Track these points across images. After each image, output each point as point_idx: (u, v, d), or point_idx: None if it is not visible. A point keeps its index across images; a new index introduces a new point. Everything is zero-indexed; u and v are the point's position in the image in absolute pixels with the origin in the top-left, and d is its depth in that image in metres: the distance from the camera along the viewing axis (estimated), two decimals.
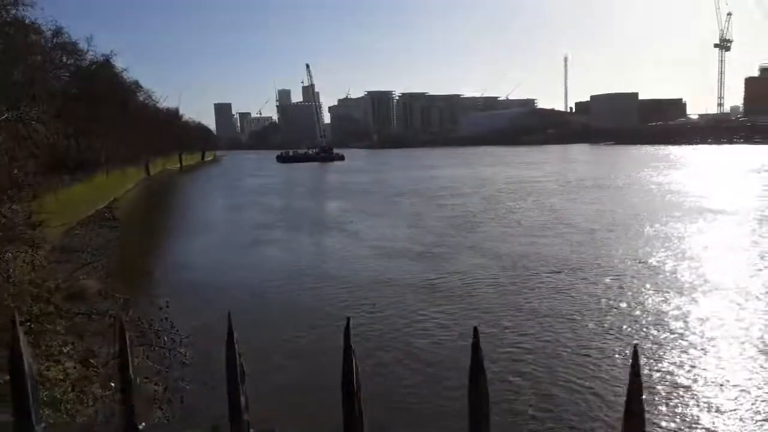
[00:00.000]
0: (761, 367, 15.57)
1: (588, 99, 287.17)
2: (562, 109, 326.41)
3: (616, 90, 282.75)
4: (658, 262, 27.67)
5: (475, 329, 1.59)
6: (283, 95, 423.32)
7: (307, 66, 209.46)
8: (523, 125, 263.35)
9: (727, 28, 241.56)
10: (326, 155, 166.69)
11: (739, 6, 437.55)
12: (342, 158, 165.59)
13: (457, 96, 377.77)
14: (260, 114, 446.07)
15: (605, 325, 19.01)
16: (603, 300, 21.72)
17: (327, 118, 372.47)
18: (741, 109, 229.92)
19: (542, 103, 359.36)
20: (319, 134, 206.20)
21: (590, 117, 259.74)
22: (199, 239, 39.86)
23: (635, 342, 16.90)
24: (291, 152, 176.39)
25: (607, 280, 24.51)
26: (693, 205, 46.82)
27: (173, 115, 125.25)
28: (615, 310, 20.59)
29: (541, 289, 23.54)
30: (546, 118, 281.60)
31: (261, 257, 33.29)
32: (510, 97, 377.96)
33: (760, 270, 25.67)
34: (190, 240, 40.02)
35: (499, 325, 19.08)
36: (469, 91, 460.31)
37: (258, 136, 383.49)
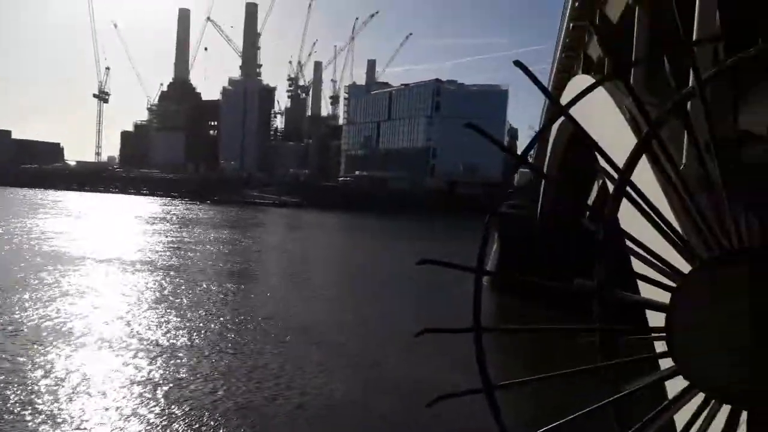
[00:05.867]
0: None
1: None
2: None
3: None
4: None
5: None
6: None
7: None
8: None
9: (106, 81, 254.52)
10: None
11: (117, 63, 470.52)
12: None
13: None
14: None
15: None
16: None
17: None
18: (117, 160, 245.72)
19: None
20: None
21: None
22: None
23: None
24: None
25: None
26: (77, 252, 49.42)
27: None
28: None
29: None
30: None
31: None
32: None
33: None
34: None
35: None
36: None
37: None
